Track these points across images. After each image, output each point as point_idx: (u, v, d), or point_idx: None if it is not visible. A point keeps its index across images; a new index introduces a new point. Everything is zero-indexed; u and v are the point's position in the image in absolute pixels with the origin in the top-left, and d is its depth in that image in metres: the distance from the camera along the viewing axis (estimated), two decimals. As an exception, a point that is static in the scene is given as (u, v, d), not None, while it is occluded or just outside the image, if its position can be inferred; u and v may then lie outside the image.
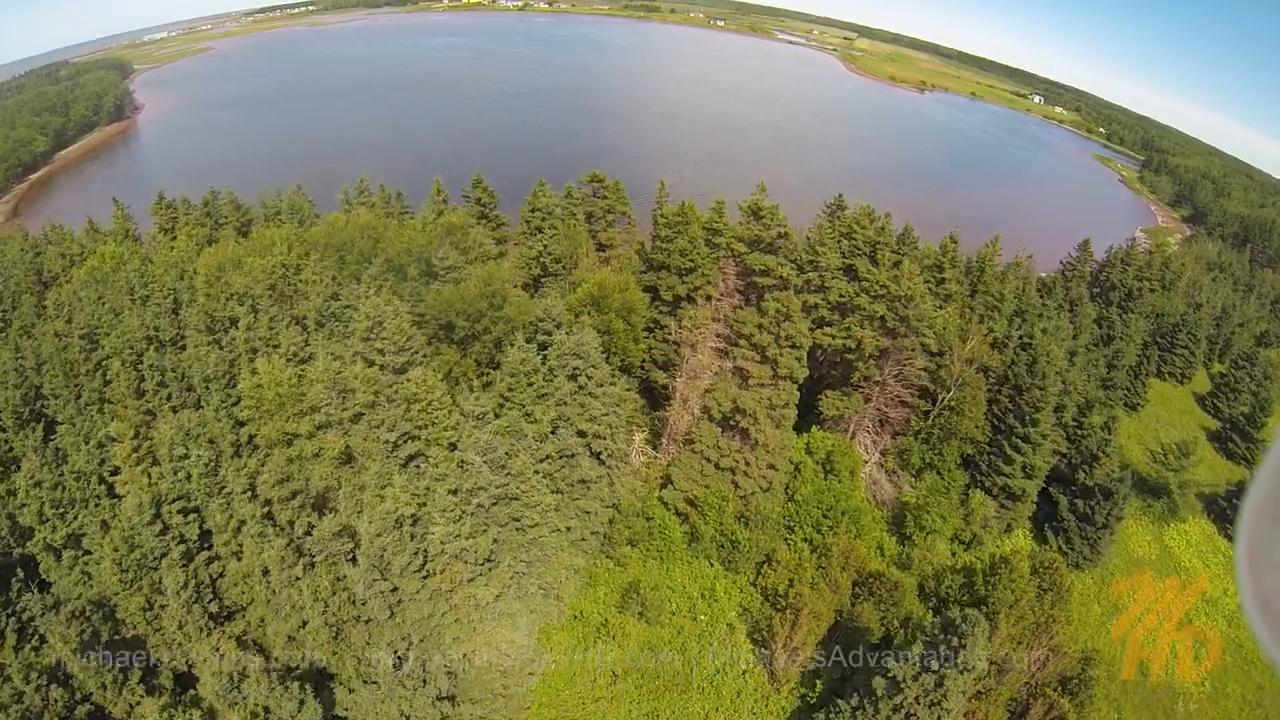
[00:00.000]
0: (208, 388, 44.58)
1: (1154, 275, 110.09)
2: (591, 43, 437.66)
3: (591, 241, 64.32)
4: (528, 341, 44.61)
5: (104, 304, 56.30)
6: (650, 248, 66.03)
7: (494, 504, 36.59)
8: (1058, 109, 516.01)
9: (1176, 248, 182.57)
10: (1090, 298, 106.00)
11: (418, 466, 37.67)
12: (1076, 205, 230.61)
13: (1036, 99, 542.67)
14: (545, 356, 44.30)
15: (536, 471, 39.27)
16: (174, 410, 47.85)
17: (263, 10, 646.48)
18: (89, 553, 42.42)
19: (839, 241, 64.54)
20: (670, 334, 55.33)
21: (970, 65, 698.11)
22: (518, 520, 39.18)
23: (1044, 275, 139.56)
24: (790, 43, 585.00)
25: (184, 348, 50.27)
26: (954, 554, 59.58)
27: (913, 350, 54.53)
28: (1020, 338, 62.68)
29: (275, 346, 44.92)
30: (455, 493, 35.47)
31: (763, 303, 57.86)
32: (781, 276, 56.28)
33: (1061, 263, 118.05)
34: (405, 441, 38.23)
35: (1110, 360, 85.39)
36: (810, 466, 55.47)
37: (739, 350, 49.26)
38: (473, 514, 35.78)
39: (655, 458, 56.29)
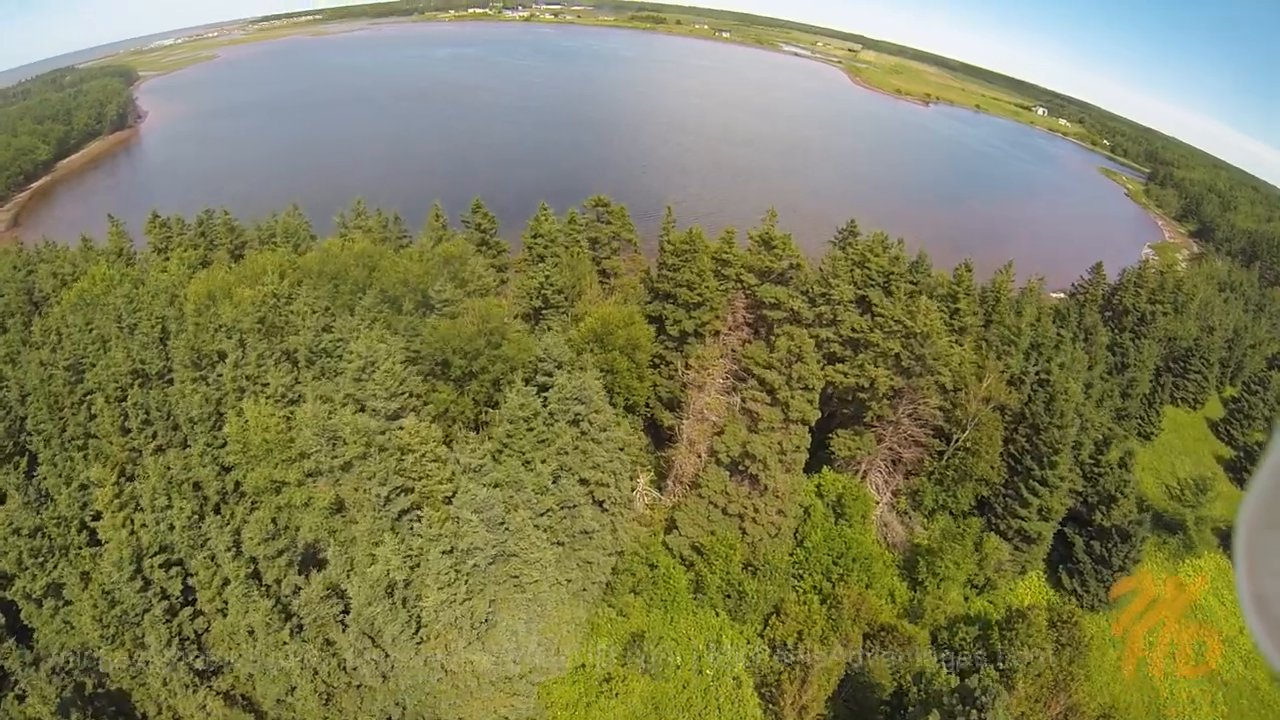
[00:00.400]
0: (193, 428, 42.82)
1: (1166, 298, 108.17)
2: (597, 54, 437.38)
3: (595, 270, 62.51)
4: (527, 382, 42.77)
5: (91, 331, 54.63)
6: (656, 275, 64.18)
7: (491, 563, 34.70)
8: (1062, 121, 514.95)
9: (1185, 266, 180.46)
10: (1103, 321, 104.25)
11: (411, 525, 35.72)
12: (1084, 220, 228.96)
13: (1041, 111, 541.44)
14: (546, 399, 42.43)
15: (536, 525, 37.38)
16: (160, 449, 46.07)
17: (269, 18, 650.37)
18: (70, 603, 40.62)
19: (851, 271, 62.76)
20: (677, 371, 53.49)
21: (975, 77, 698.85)
22: (516, 577, 37.28)
23: (1057, 298, 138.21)
24: (795, 54, 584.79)
25: (171, 381, 48.57)
26: (966, 598, 57.60)
27: (928, 389, 52.59)
28: (1037, 374, 60.70)
29: (263, 386, 43.11)
30: (450, 552, 33.57)
31: (774, 338, 56.10)
32: (793, 309, 54.58)
33: (1073, 285, 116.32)
34: (398, 495, 36.32)
35: (1125, 389, 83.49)
36: (820, 510, 53.51)
37: (748, 391, 47.38)
38: (468, 575, 33.89)
39: (660, 500, 54.34)
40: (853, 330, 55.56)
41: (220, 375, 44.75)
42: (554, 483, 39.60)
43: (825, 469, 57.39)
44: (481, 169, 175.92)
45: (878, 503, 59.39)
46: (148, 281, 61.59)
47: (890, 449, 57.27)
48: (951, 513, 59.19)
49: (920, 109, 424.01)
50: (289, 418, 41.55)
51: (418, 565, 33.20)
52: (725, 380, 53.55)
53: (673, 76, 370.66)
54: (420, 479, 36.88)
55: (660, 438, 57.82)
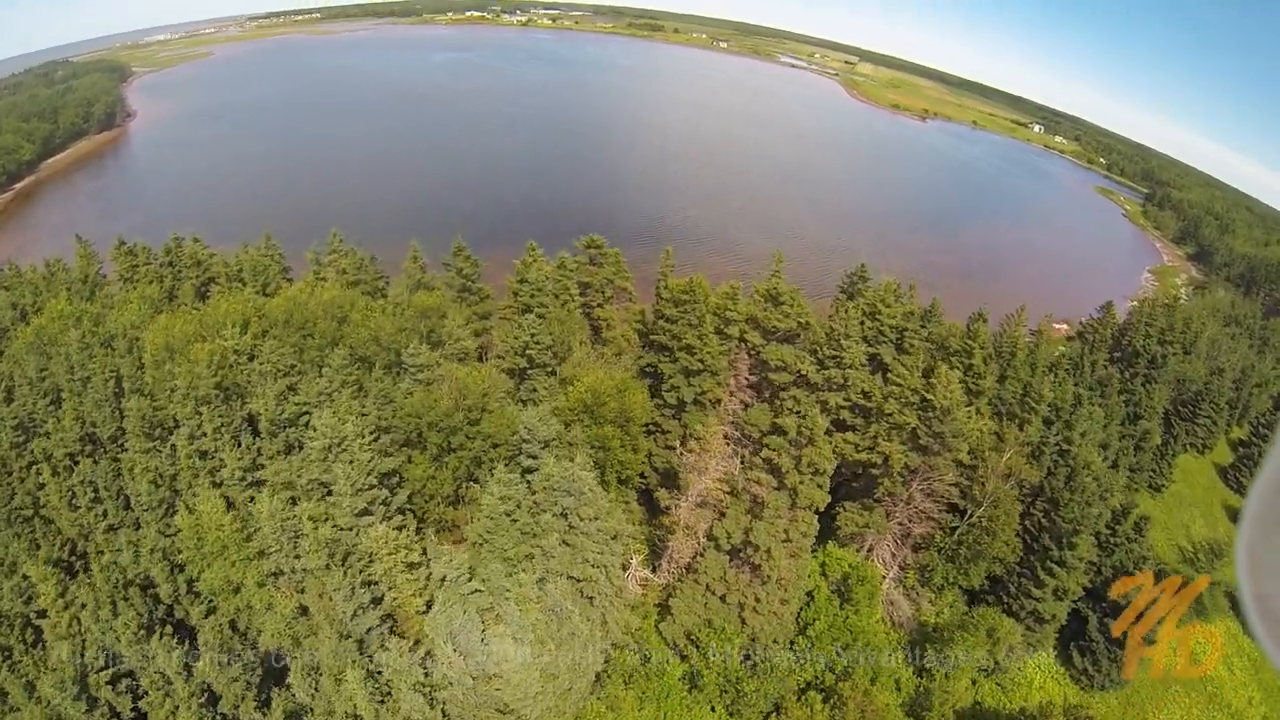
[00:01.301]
0: (144, 513, 39.06)
1: (1176, 339, 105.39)
2: (594, 63, 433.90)
3: (586, 322, 58.96)
4: (510, 461, 39.21)
5: (45, 380, 50.78)
6: (652, 321, 60.70)
7: (467, 692, 31.05)
8: (1058, 138, 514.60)
9: (1188, 298, 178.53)
10: (1111, 361, 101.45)
11: (382, 641, 32.01)
12: (1085, 244, 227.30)
13: (1037, 128, 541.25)
14: (530, 483, 38.86)
15: (517, 639, 33.75)
16: (111, 528, 42.25)
17: (267, 15, 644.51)
18: (17, 709, 36.77)
19: (862, 323, 59.49)
20: (672, 438, 49.94)
21: (971, 92, 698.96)
22: (499, 692, 33.66)
23: (1061, 329, 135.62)
24: (793, 66, 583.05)
25: (124, 447, 44.76)
26: (974, 681, 54.31)
27: (945, 466, 49.23)
28: (1058, 444, 57.37)
29: (220, 463, 39.31)
30: (425, 681, 29.98)
31: (779, 401, 52.70)
32: (801, 373, 51.21)
33: (1081, 323, 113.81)
34: (366, 609, 32.60)
35: (1138, 442, 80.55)
36: (824, 593, 50.05)
37: (753, 473, 43.82)
38: (444, 706, 30.27)
39: (653, 579, 50.69)
40: (864, 396, 52.19)
41: (174, 448, 41.01)
42: (539, 586, 36.00)
43: (830, 544, 53.98)
44: (471, 183, 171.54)
45: (884, 577, 56.02)
46: (107, 321, 57.66)
47: (901, 524, 53.87)
48: (962, 589, 55.95)
49: (918, 125, 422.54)
50: (249, 502, 37.88)
51: (387, 698, 29.56)
52: (726, 445, 50.04)
53: (671, 87, 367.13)
54: (391, 588, 33.23)
55: (654, 506, 54.25)
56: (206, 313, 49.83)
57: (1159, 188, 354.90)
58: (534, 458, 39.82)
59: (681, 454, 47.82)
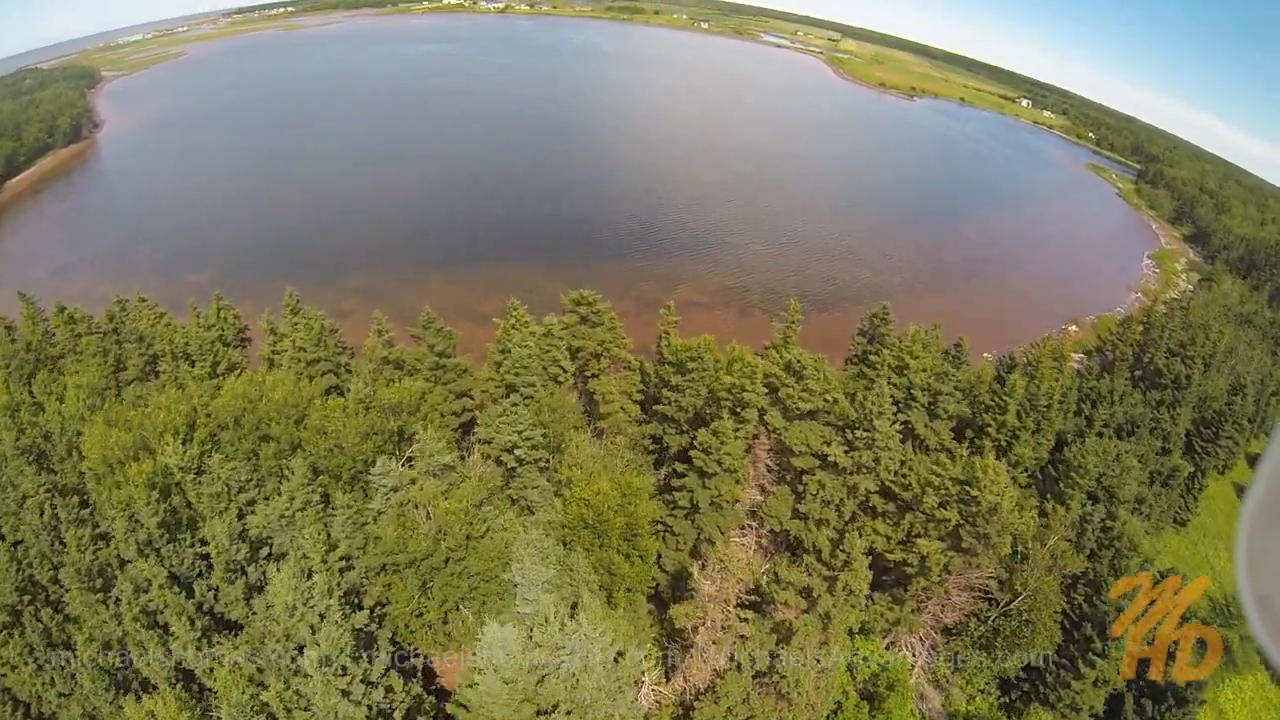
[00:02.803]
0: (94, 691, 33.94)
1: (1196, 353, 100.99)
2: (576, 49, 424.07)
3: (579, 402, 53.73)
4: (502, 615, 34.24)
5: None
6: (655, 384, 55.65)
7: None
8: (1046, 113, 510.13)
9: (1194, 290, 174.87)
10: (1133, 383, 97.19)
11: None
12: (1084, 230, 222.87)
13: (1024, 103, 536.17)
14: (532, 634, 33.91)
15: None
16: (62, 697, 37.08)
17: (240, 10, 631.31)
18: None
19: (889, 380, 54.60)
20: (684, 540, 45.03)
21: (955, 66, 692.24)
22: None
23: (1076, 334, 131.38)
24: (776, 45, 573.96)
25: (68, 589, 39.55)
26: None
27: (987, 561, 44.57)
28: (1102, 521, 52.58)
29: (170, 635, 34.07)
30: None
31: (802, 487, 47.83)
32: (827, 458, 46.35)
33: (1100, 340, 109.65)
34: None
35: (1165, 479, 76.26)
36: (853, 700, 45.43)
37: (781, 593, 39.01)
38: None
39: (666, 694, 45.86)
40: (899, 480, 47.29)
41: (119, 600, 35.85)
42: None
43: (858, 638, 49.39)
44: (448, 194, 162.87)
45: (913, 666, 51.55)
46: (47, 410, 51.86)
47: (933, 616, 49.31)
48: (996, 675, 51.66)
49: (906, 104, 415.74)
50: (209, 673, 32.85)
51: None
52: (743, 546, 45.20)
53: (655, 73, 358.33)
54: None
55: (663, 602, 49.45)
56: (149, 414, 44.30)
57: (1150, 164, 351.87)
58: (530, 600, 34.85)
59: (696, 575, 42.89)
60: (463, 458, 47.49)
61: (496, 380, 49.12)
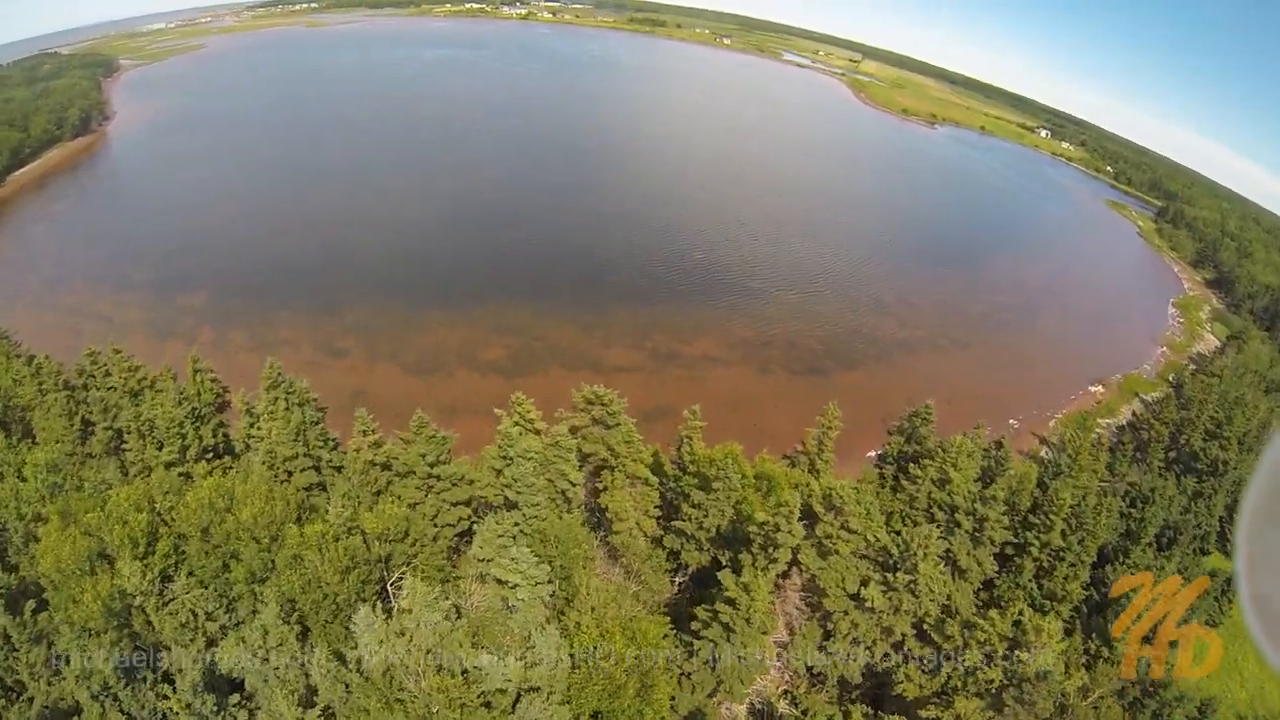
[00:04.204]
0: None
1: (1232, 434, 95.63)
2: (598, 61, 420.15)
3: (585, 510, 48.20)
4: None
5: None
6: (674, 492, 50.53)
7: None
8: (1065, 145, 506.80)
9: (1221, 346, 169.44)
10: (1167, 466, 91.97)
11: None
12: (1108, 275, 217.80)
13: (1043, 133, 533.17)
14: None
15: None
16: None
17: (264, 4, 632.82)
18: None
19: (930, 494, 49.43)
20: (705, 685, 39.79)
21: (974, 92, 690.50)
22: None
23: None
24: (797, 65, 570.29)
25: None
26: None
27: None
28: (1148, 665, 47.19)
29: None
30: None
31: (831, 624, 42.53)
32: (862, 599, 41.11)
33: (1134, 416, 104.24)
34: None
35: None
36: None
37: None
38: None
39: None
40: (939, 630, 42.04)
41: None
42: None
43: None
44: (455, 226, 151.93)
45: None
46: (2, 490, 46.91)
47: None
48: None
49: (928, 132, 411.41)
50: None
51: None
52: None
53: (677, 91, 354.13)
54: None
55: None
56: (109, 516, 39.30)
57: (1170, 201, 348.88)
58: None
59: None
60: (456, 578, 42.34)
61: (497, 488, 44.00)
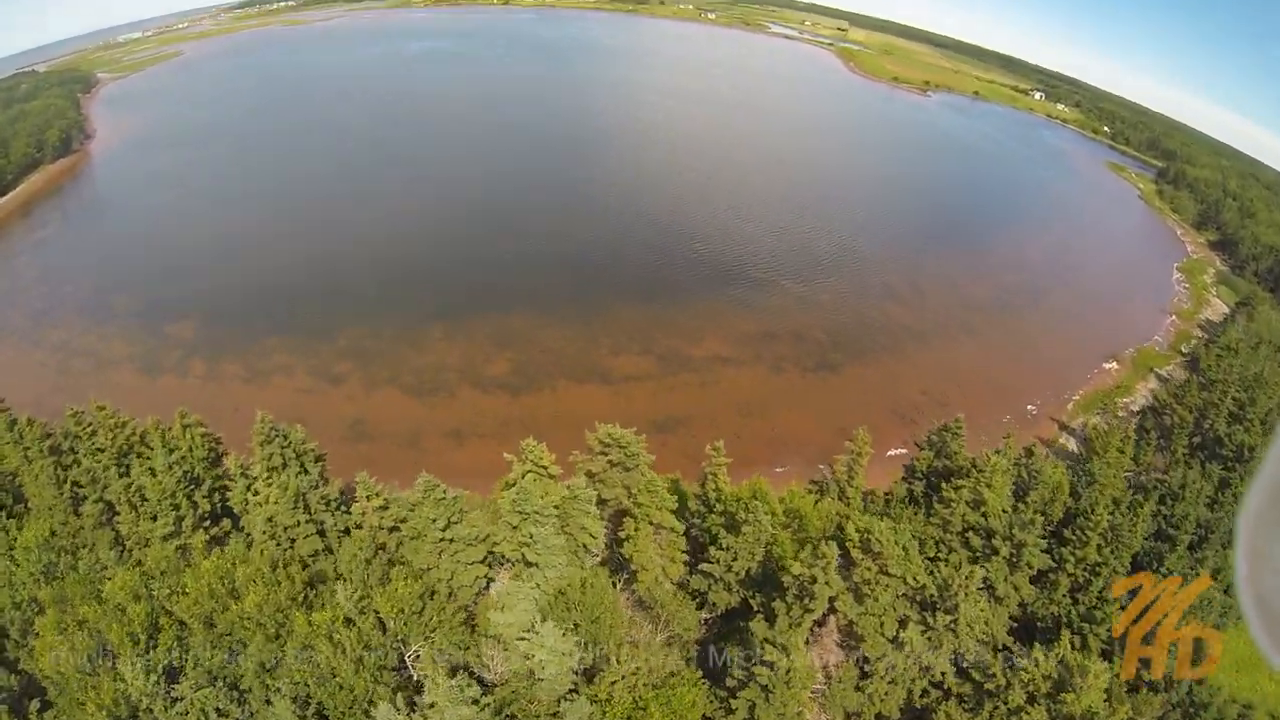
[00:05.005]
0: None
1: (1255, 415, 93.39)
2: (580, 46, 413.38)
3: (615, 579, 45.57)
4: None
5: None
6: (700, 529, 48.33)
7: None
8: (1060, 106, 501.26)
9: (1231, 312, 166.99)
10: (1191, 453, 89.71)
11: None
12: (1112, 242, 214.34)
13: (1037, 95, 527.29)
14: None
15: None
16: None
17: (241, 5, 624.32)
18: None
19: (963, 515, 47.28)
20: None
21: (964, 55, 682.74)
22: None
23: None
24: (784, 37, 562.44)
25: None
26: None
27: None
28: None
29: None
30: None
31: (870, 677, 40.51)
32: (901, 642, 39.03)
33: (1158, 401, 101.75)
34: None
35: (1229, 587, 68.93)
36: None
37: None
38: None
39: None
40: (980, 668, 40.03)
41: None
42: None
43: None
44: (446, 231, 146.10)
45: None
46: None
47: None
48: None
49: (921, 99, 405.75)
50: None
51: None
52: None
53: (666, 76, 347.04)
54: None
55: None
56: (106, 606, 37.13)
57: (1170, 162, 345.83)
58: None
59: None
60: (478, 639, 40.21)
61: (514, 544, 41.70)
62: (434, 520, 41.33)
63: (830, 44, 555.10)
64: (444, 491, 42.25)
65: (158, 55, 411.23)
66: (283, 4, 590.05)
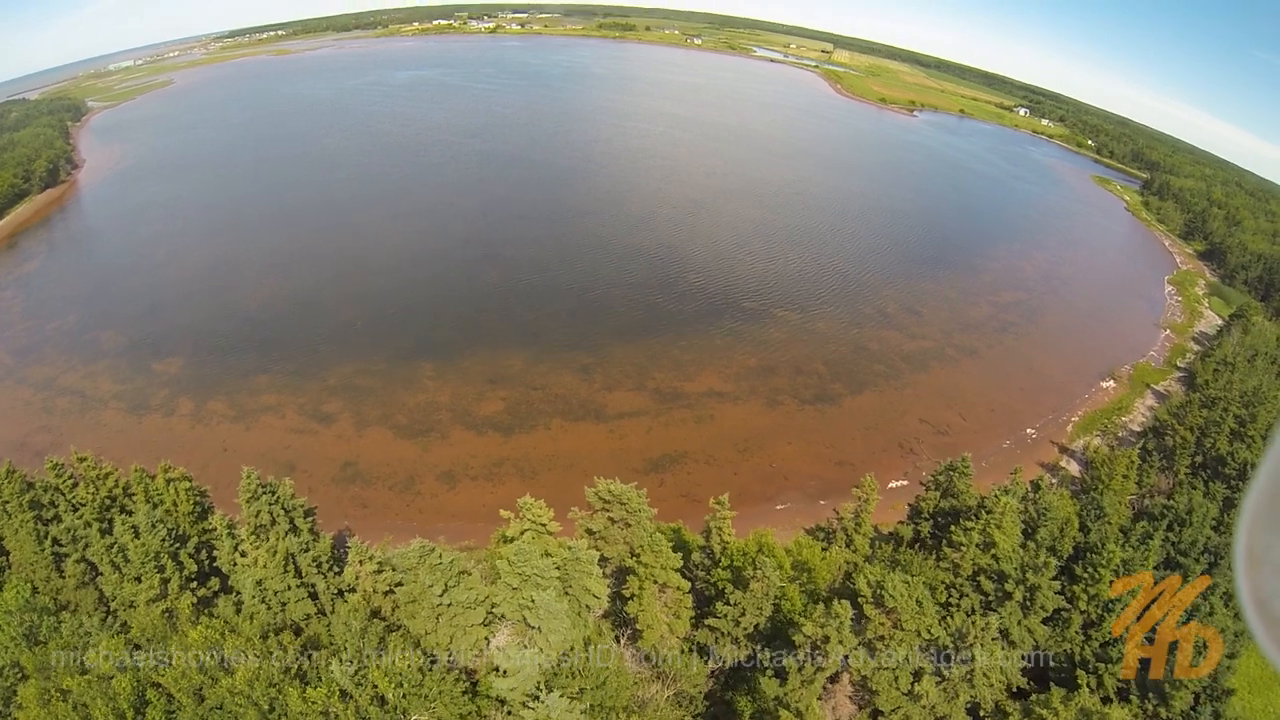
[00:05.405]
0: None
1: (1256, 431, 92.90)
2: (567, 73, 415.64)
3: (620, 641, 44.07)
4: None
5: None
6: (703, 583, 46.88)
7: None
8: (1044, 122, 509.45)
9: (1224, 326, 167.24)
10: (1193, 471, 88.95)
11: None
12: (1102, 257, 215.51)
13: (1022, 111, 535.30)
14: None
15: None
16: None
17: (231, 34, 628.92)
18: None
19: (973, 559, 45.92)
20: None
21: (947, 73, 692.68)
22: None
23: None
24: (770, 60, 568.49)
25: None
26: None
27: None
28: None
29: None
30: None
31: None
32: (916, 696, 37.64)
33: (1159, 420, 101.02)
34: None
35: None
36: None
37: None
38: None
39: None
40: (997, 715, 38.69)
41: None
42: None
43: None
44: (437, 265, 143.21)
45: None
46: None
47: None
48: None
49: (908, 119, 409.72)
50: None
51: None
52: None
53: (655, 102, 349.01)
54: None
55: None
56: (90, 678, 35.38)
57: (1154, 173, 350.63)
58: None
59: None
60: (476, 707, 38.57)
61: (514, 605, 40.14)
62: (431, 585, 39.75)
63: (816, 66, 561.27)
64: (440, 556, 40.56)
65: (148, 84, 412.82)
66: (272, 33, 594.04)
